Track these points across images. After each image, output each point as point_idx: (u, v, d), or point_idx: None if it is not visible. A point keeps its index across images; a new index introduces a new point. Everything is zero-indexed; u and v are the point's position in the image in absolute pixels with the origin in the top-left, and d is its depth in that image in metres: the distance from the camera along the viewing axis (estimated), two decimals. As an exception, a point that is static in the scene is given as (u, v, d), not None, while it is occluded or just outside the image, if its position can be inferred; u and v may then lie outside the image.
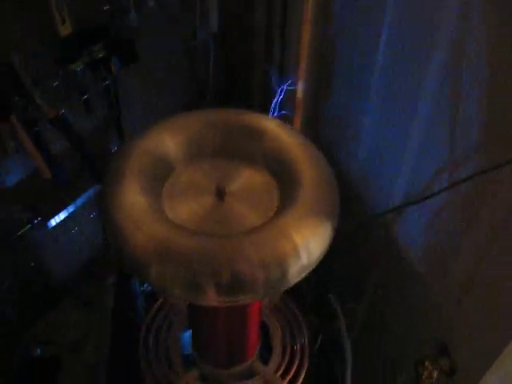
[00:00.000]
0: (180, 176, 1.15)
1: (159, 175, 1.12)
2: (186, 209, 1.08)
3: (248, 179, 1.16)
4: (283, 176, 1.13)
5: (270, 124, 1.21)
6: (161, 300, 1.57)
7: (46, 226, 1.76)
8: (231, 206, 1.09)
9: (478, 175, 1.14)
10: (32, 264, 1.86)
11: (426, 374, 1.62)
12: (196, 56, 2.15)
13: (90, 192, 1.87)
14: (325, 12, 1.84)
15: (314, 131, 2.16)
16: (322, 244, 1.01)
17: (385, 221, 1.73)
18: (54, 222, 1.77)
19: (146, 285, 1.80)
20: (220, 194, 1.09)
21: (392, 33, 1.48)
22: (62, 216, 1.79)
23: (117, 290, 1.79)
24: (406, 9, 1.39)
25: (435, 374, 1.58)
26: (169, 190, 1.12)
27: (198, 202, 1.10)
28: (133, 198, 1.02)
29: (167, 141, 1.14)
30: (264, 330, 1.53)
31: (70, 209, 1.80)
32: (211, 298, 0.94)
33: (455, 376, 1.45)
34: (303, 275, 1.00)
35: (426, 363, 1.59)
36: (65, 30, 1.52)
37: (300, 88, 2.05)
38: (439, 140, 1.34)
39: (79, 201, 1.83)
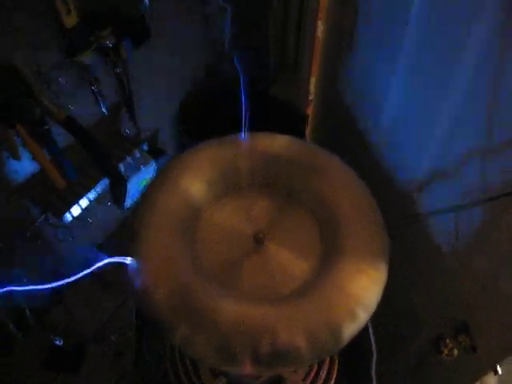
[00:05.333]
0: (214, 217, 1.05)
1: (189, 220, 1.01)
2: (221, 256, 0.99)
3: (288, 219, 1.05)
4: (326, 217, 1.02)
5: (315, 159, 1.08)
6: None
7: (61, 220, 1.68)
8: (271, 253, 1.00)
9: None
10: (48, 259, 1.80)
11: (446, 351, 1.61)
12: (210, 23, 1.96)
13: (101, 184, 1.77)
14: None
15: (333, 90, 2.03)
16: (378, 291, 0.92)
17: (410, 194, 1.65)
18: (69, 216, 1.69)
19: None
20: (258, 240, 1.00)
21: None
22: (76, 210, 1.70)
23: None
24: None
25: (455, 352, 1.57)
26: (202, 235, 1.02)
27: (235, 247, 1.00)
28: (163, 248, 0.94)
29: (195, 180, 1.03)
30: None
31: (83, 203, 1.71)
32: (246, 369, 0.86)
33: (476, 354, 1.43)
34: (360, 328, 0.92)
35: (447, 340, 1.58)
36: (70, 20, 1.36)
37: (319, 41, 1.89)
38: (476, 114, 1.19)
39: (90, 194, 1.73)
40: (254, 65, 2.07)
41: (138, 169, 1.96)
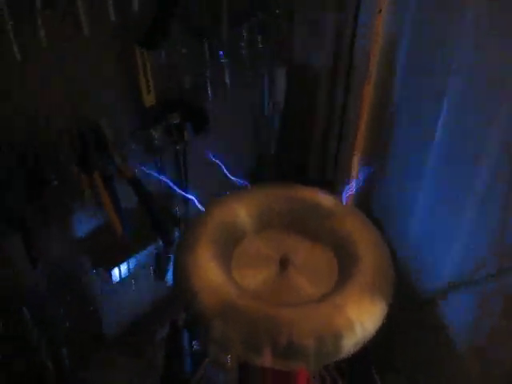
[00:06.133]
0: (249, 245, 1.24)
1: (230, 242, 1.21)
2: (251, 275, 1.17)
3: (311, 253, 1.24)
4: (344, 254, 1.20)
5: (337, 206, 1.30)
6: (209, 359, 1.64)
7: (109, 278, 1.87)
8: (293, 277, 1.17)
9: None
10: (90, 309, 1.96)
11: None
12: (261, 127, 2.28)
13: (150, 249, 1.97)
14: (385, 93, 1.94)
15: (367, 206, 2.23)
16: (376, 320, 1.07)
17: (430, 299, 1.77)
18: (117, 275, 1.88)
19: (195, 342, 1.85)
20: (284, 264, 1.17)
21: (451, 115, 1.55)
22: (123, 269, 1.89)
23: (167, 345, 1.86)
24: (466, 93, 1.46)
25: None
26: (238, 257, 1.21)
27: (264, 269, 1.18)
28: (205, 261, 1.12)
29: (240, 211, 1.25)
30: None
31: (132, 264, 1.91)
32: (266, 359, 1.01)
33: None
34: (357, 348, 1.05)
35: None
36: (149, 100, 1.68)
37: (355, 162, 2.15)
38: (492, 223, 1.38)
39: (140, 256, 1.93)
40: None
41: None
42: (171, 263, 2.12)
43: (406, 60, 1.77)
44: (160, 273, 2.18)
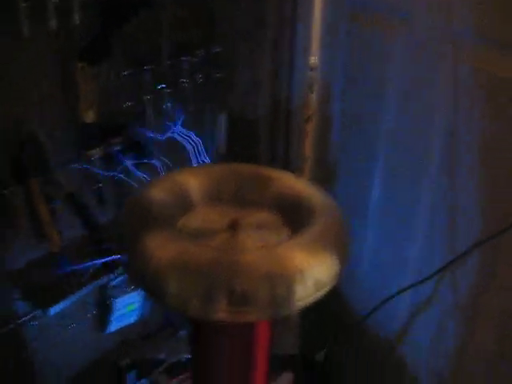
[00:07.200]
0: (196, 213, 1.19)
1: (178, 210, 1.16)
2: (200, 239, 1.11)
3: (261, 218, 1.20)
4: (296, 216, 1.17)
5: (285, 174, 1.30)
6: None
7: (46, 315, 1.71)
8: (244, 239, 1.12)
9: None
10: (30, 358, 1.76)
11: None
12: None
13: (90, 287, 1.84)
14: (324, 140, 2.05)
15: None
16: (327, 272, 1.02)
17: (389, 341, 1.74)
18: (53, 311, 1.72)
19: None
20: (233, 227, 1.13)
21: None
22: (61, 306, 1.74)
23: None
24: (401, 120, 1.58)
25: None
26: (187, 225, 1.15)
27: (214, 235, 1.12)
28: (156, 230, 1.06)
29: (192, 180, 1.21)
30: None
31: (71, 299, 1.76)
32: (222, 309, 0.94)
33: None
34: (308, 301, 1.00)
35: None
36: (90, 117, 1.66)
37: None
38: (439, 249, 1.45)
39: (80, 293, 1.79)
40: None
41: (125, 291, 2.04)
42: (115, 311, 2.02)
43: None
44: (102, 321, 2.03)
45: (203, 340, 1.19)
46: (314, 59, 2.09)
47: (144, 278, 1.00)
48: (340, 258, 1.05)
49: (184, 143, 2.00)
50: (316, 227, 1.09)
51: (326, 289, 1.02)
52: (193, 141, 2.03)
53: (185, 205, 1.20)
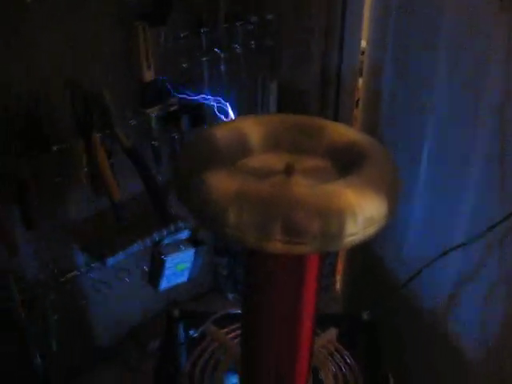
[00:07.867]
0: (254, 158, 1.24)
1: (238, 152, 1.21)
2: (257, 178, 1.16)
3: (314, 165, 1.23)
4: (346, 162, 1.20)
5: (332, 123, 1.34)
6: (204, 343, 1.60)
7: (103, 265, 1.80)
8: (298, 181, 1.16)
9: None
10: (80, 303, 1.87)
11: None
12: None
13: (147, 241, 1.92)
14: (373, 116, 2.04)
15: None
16: (377, 213, 1.04)
17: (434, 308, 1.75)
18: (110, 261, 1.81)
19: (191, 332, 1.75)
20: (289, 171, 1.16)
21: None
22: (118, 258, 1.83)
23: (163, 337, 1.75)
24: (452, 82, 1.54)
25: None
26: (241, 166, 1.20)
27: (269, 175, 1.17)
28: (216, 157, 1.12)
29: (254, 127, 1.26)
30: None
31: (128, 252, 1.85)
32: (277, 240, 0.97)
33: None
34: (358, 238, 1.02)
35: None
36: (149, 76, 1.73)
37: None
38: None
39: (136, 247, 1.88)
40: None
41: (177, 250, 2.11)
42: (164, 269, 2.10)
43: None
44: (153, 280, 2.11)
45: (257, 271, 1.24)
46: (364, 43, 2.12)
47: (205, 210, 1.04)
48: (390, 198, 1.06)
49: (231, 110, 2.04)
50: (367, 168, 1.11)
51: (376, 226, 1.03)
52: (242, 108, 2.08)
53: (244, 149, 1.24)
